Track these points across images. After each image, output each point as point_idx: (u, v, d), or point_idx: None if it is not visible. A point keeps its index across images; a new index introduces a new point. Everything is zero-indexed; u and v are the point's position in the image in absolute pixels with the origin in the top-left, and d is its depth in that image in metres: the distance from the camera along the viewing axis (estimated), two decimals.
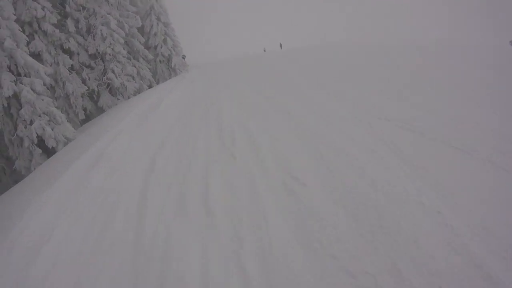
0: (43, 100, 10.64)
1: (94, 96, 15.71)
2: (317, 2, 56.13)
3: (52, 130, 10.45)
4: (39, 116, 10.39)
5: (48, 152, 10.81)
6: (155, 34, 18.86)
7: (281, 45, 30.88)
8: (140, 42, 17.88)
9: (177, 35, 19.67)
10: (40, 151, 10.56)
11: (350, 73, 10.64)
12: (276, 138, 5.98)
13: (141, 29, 18.89)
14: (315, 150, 5.18)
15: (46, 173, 7.99)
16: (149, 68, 17.87)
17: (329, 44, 21.16)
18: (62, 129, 10.71)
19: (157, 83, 18.47)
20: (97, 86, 15.34)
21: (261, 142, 5.90)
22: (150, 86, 17.44)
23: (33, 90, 10.40)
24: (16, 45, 10.40)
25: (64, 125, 10.87)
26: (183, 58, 19.64)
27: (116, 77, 15.47)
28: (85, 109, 15.02)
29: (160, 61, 18.80)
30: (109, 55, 15.65)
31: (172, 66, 18.86)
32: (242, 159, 5.42)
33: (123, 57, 16.12)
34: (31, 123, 10.33)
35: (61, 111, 13.53)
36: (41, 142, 10.62)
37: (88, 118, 15.17)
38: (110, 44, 15.62)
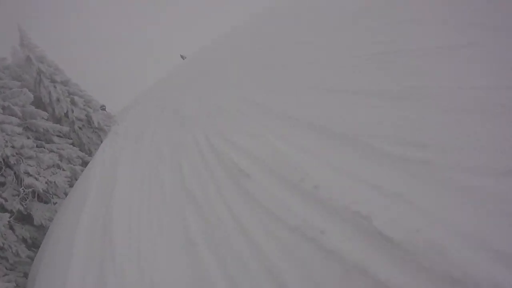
0: None
1: (27, 213, 12.01)
2: None
3: None
4: None
5: None
6: (58, 100, 14.90)
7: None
8: (44, 119, 14.00)
9: (83, 89, 15.73)
10: None
11: None
12: None
13: (38, 102, 14.90)
14: None
15: None
16: (71, 144, 14.16)
17: None
18: None
19: (90, 154, 14.81)
20: (21, 203, 11.60)
21: None
22: (84, 164, 13.85)
23: None
24: None
25: None
26: (103, 109, 15.92)
27: (36, 178, 11.76)
28: (25, 240, 11.34)
29: (79, 127, 15.00)
30: (13, 156, 11.81)
31: (96, 125, 15.15)
32: None
33: (31, 148, 12.33)
34: None
35: None
36: None
37: (35, 245, 11.54)
38: (6, 141, 11.77)
